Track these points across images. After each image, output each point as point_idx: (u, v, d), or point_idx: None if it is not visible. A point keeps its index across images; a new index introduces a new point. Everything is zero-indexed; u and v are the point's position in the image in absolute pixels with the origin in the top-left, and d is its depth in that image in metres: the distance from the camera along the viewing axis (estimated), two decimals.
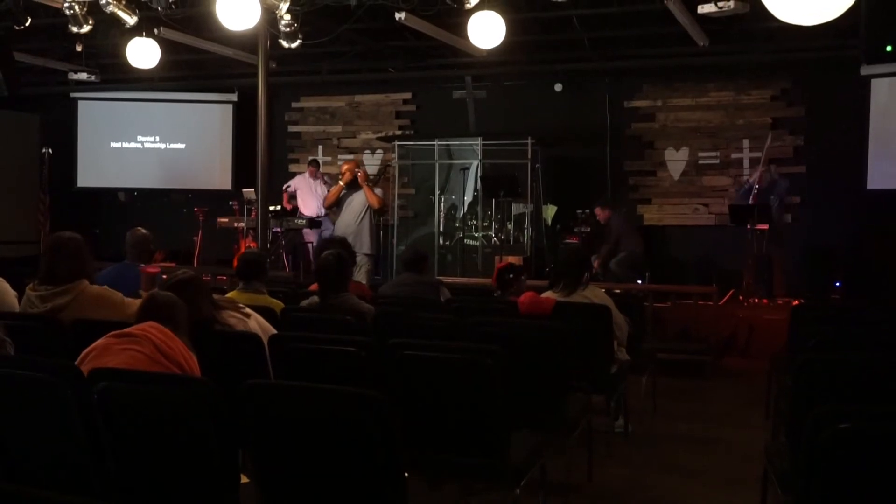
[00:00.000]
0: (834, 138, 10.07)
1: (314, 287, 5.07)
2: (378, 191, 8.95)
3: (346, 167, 8.89)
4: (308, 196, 10.91)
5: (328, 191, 10.86)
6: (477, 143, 11.19)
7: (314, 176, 11.08)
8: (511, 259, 9.95)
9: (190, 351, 3.02)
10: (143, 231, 5.46)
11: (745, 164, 10.69)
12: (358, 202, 8.71)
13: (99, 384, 2.71)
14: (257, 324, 3.88)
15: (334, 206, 9.03)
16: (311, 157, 12.08)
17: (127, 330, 3.01)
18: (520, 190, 10.17)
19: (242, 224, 10.81)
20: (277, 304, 4.85)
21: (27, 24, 8.08)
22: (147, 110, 13.09)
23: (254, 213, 10.09)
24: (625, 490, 4.59)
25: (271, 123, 9.83)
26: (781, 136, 10.57)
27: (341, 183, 8.82)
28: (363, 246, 8.39)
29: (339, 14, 8.47)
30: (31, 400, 2.81)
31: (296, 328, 4.33)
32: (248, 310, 3.95)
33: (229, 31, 7.18)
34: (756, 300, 9.02)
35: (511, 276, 5.68)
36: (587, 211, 10.44)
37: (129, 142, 13.14)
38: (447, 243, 11.29)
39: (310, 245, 10.35)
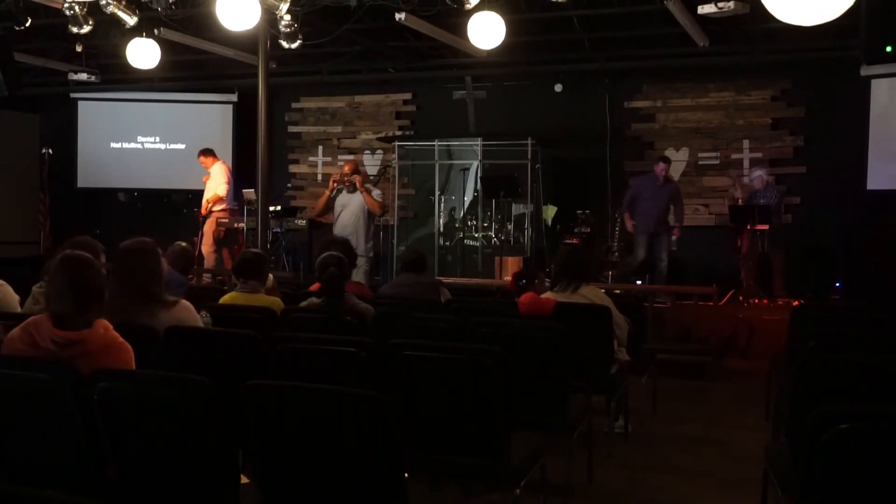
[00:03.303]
0: (834, 138, 10.07)
1: (314, 287, 5.07)
2: (377, 192, 8.92)
3: (346, 168, 8.87)
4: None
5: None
6: (477, 144, 11.19)
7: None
8: (510, 260, 9.97)
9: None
10: (184, 244, 5.50)
11: (745, 164, 10.69)
12: (355, 204, 8.67)
13: (99, 384, 2.71)
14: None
15: (324, 213, 9.01)
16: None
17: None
18: (520, 190, 10.16)
19: (242, 224, 10.79)
20: (277, 304, 4.85)
21: (27, 24, 8.08)
22: (147, 111, 13.08)
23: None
24: (625, 491, 4.59)
25: (271, 124, 9.80)
26: (781, 137, 10.58)
27: (327, 192, 8.84)
28: (359, 248, 8.38)
29: (339, 14, 8.47)
30: (31, 400, 2.81)
31: (296, 328, 4.34)
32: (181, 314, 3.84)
33: (229, 31, 7.18)
34: (756, 301, 9.02)
35: (524, 281, 5.55)
36: (587, 211, 10.44)
37: (129, 142, 13.13)
38: (447, 244, 11.29)
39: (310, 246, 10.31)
